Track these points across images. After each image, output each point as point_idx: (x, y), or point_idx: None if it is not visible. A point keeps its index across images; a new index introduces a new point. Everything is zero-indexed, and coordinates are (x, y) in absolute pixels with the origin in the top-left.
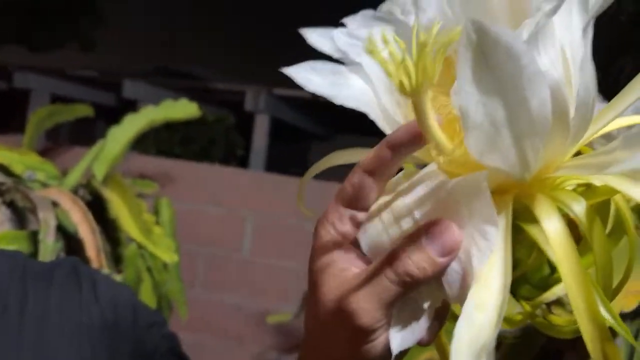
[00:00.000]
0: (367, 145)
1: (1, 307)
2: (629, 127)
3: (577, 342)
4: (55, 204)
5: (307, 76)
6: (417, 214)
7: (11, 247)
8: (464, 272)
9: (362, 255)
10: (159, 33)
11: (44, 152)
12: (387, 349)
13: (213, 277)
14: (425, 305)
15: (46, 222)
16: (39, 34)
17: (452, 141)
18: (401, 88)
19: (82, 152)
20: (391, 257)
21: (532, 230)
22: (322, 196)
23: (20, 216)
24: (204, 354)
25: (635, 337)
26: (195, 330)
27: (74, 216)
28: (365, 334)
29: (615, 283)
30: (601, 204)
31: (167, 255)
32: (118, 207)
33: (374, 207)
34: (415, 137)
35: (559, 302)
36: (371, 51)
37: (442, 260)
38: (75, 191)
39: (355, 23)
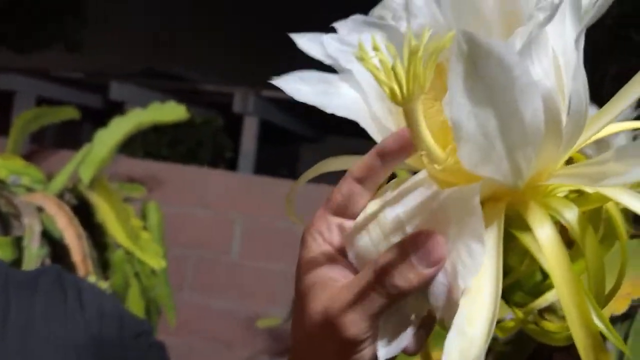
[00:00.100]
0: (357, 148)
1: None
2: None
3: (569, 346)
4: (40, 209)
5: (295, 86)
6: (406, 224)
7: None
8: (450, 286)
9: (350, 265)
10: (147, 34)
11: (28, 156)
12: (375, 359)
13: (202, 280)
14: (411, 314)
15: (31, 228)
16: (24, 34)
17: (444, 148)
18: (392, 96)
19: (67, 155)
20: (377, 268)
21: (524, 238)
22: (310, 199)
23: (4, 222)
24: (193, 359)
25: (625, 340)
26: (184, 334)
27: (59, 221)
28: (352, 345)
29: (606, 289)
30: (593, 210)
31: (155, 261)
32: (105, 212)
33: (361, 216)
34: (405, 146)
35: (551, 309)
36: (362, 58)
37: (427, 271)
38: (60, 196)
39: (346, 28)
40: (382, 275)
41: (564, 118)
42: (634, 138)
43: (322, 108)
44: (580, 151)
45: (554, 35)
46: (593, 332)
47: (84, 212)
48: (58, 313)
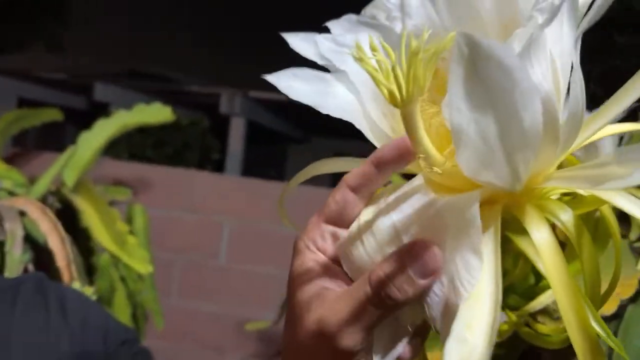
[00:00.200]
0: (344, 148)
1: None
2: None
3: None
4: (22, 214)
5: (289, 84)
6: (402, 233)
7: None
8: (446, 297)
9: (344, 273)
10: (131, 34)
11: (10, 159)
12: None
13: (189, 284)
14: (406, 323)
15: (13, 233)
16: (5, 34)
17: (441, 152)
18: (391, 98)
19: (50, 158)
20: (373, 280)
21: (520, 241)
22: (300, 201)
23: None
24: None
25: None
26: (172, 339)
27: (42, 226)
28: (347, 356)
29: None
30: (586, 212)
31: (141, 266)
32: (90, 217)
33: (355, 225)
34: (404, 155)
35: (545, 311)
36: (360, 59)
37: (423, 282)
38: (43, 199)
39: (340, 28)
40: (377, 286)
41: (561, 121)
42: (620, 140)
43: (316, 108)
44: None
45: (551, 37)
46: (591, 335)
47: (68, 216)
48: (39, 322)
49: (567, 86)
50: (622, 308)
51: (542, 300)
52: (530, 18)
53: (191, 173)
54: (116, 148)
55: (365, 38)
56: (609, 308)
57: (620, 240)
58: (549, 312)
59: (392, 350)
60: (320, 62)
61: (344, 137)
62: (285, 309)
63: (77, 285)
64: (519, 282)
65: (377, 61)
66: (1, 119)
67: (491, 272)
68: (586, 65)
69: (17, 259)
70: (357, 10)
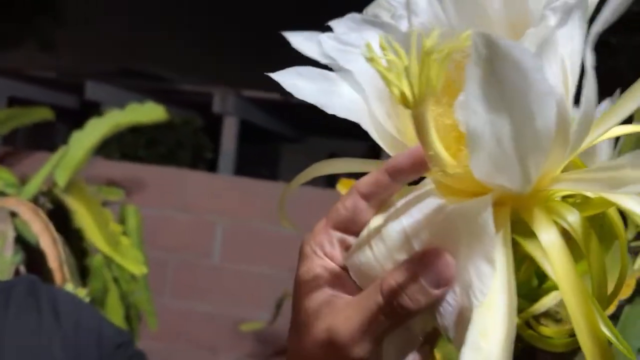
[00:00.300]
0: (338, 148)
1: None
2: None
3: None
4: (13, 214)
5: (294, 82)
6: (412, 239)
7: None
8: (458, 304)
9: (352, 280)
10: (123, 32)
11: (0, 159)
12: None
13: (183, 284)
14: (416, 331)
15: (3, 235)
16: None
17: (449, 153)
18: (402, 99)
19: (41, 157)
20: (384, 288)
21: (527, 244)
22: (295, 200)
23: None
24: None
25: None
26: (166, 339)
27: (34, 227)
28: None
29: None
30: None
31: (136, 267)
32: (82, 217)
33: (364, 232)
34: (419, 165)
35: (547, 313)
36: (371, 59)
37: (436, 292)
38: (35, 200)
39: (343, 27)
40: (389, 296)
41: (571, 122)
42: (616, 142)
43: (321, 108)
44: None
45: (562, 37)
46: (601, 340)
47: (59, 217)
48: (32, 325)
49: (575, 87)
50: (619, 309)
51: (545, 303)
52: (542, 17)
53: (184, 172)
54: (108, 147)
55: (370, 37)
56: (609, 309)
57: (626, 241)
58: (551, 314)
59: (402, 358)
60: (323, 61)
61: (337, 136)
62: (279, 308)
63: (69, 287)
64: (522, 285)
65: (388, 61)
66: None
67: (504, 278)
68: (581, 68)
69: (8, 261)
70: (355, 10)
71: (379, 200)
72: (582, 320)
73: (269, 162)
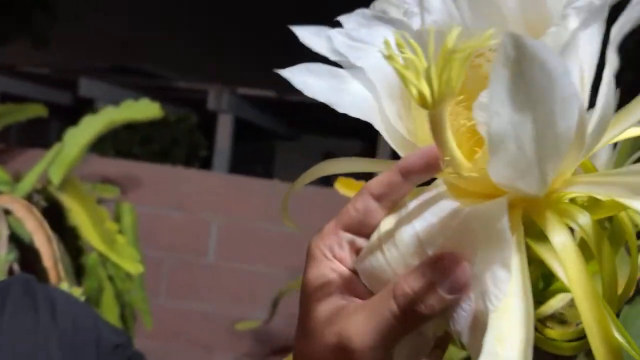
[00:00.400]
0: (332, 146)
1: None
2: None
3: None
4: (7, 212)
5: (304, 79)
6: (425, 244)
7: None
8: (472, 309)
9: (362, 284)
10: (117, 29)
11: None
12: None
13: (178, 283)
14: (428, 336)
15: None
16: None
17: (463, 155)
18: (420, 99)
19: (35, 154)
20: (397, 293)
21: (537, 246)
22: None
23: None
24: None
25: None
26: (161, 338)
27: (28, 224)
28: None
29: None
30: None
31: (132, 266)
32: (78, 215)
33: (375, 236)
34: (432, 164)
35: (553, 316)
36: (389, 56)
37: (450, 297)
38: (29, 197)
39: (353, 22)
40: (403, 301)
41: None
42: (614, 146)
43: (332, 106)
44: None
45: (584, 40)
46: (613, 345)
47: (54, 215)
48: (28, 325)
49: (589, 89)
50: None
51: (552, 305)
52: (564, 17)
53: (179, 170)
54: (102, 145)
55: (380, 33)
56: None
57: (636, 243)
58: (556, 316)
59: None
60: (332, 57)
61: (332, 135)
62: (276, 307)
63: (64, 286)
64: None
65: (405, 59)
66: None
67: (519, 282)
68: None
69: (2, 259)
70: (353, 10)
71: (391, 201)
72: (595, 325)
73: (263, 160)
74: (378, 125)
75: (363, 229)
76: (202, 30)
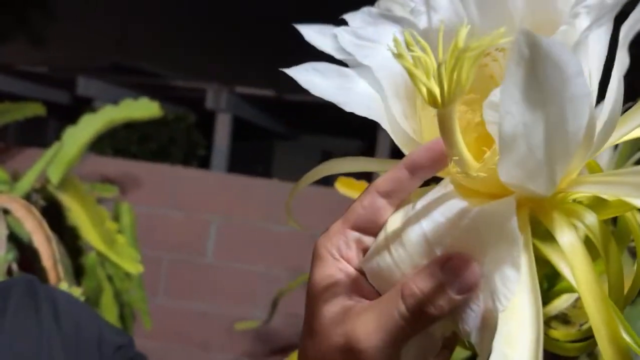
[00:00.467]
0: (331, 145)
1: None
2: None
3: None
4: (6, 212)
5: (310, 78)
6: (433, 243)
7: None
8: (481, 309)
9: (369, 284)
10: (115, 28)
11: None
12: None
13: (177, 283)
14: (437, 336)
15: None
16: None
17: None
18: (430, 98)
19: (33, 154)
20: (405, 294)
21: (543, 246)
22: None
23: None
24: None
25: None
26: (160, 338)
27: (27, 224)
28: None
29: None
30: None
31: (132, 266)
32: (77, 215)
33: (382, 235)
34: (438, 159)
35: (557, 316)
36: (399, 55)
37: (459, 298)
38: (28, 197)
39: (359, 20)
40: (411, 302)
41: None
42: (615, 147)
43: (339, 105)
44: None
45: (593, 40)
46: (621, 346)
47: (53, 214)
48: (30, 326)
49: (596, 89)
50: None
51: (557, 305)
52: (574, 15)
53: (177, 170)
54: (100, 143)
55: (387, 32)
56: None
57: None
58: (560, 316)
59: None
60: (338, 56)
61: (331, 134)
62: (275, 307)
63: (64, 286)
64: None
65: (414, 57)
66: None
67: (527, 282)
68: None
69: (1, 259)
70: (351, 10)
71: (398, 198)
72: (603, 326)
73: (262, 159)
74: (385, 125)
75: (371, 227)
76: (201, 29)
